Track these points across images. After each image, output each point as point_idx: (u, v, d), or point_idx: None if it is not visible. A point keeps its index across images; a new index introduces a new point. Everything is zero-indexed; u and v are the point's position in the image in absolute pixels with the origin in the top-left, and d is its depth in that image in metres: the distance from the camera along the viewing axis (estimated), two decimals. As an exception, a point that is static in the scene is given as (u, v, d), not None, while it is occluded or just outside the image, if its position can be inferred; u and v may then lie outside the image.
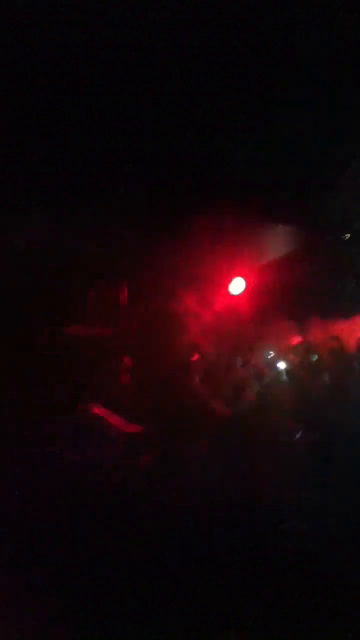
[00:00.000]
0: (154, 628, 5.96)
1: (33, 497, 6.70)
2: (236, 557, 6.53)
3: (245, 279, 8.80)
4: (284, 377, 8.65)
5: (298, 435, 7.84)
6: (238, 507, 6.89)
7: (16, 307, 7.65)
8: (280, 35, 6.07)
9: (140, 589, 6.24)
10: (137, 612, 6.09)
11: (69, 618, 6.03)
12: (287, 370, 8.69)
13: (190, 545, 6.59)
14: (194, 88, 6.53)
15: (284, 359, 8.79)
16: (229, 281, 8.81)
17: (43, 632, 5.91)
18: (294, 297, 8.69)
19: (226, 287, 8.82)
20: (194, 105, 6.77)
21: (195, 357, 8.46)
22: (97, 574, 6.31)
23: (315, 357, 8.71)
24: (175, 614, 6.10)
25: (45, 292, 7.87)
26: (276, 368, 8.73)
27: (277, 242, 8.56)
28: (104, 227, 8.03)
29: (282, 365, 8.73)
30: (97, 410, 7.70)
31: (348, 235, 8.76)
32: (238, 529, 6.74)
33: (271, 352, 8.85)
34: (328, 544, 6.63)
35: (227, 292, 8.85)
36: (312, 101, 6.73)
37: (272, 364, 8.77)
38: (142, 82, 6.45)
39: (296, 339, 8.90)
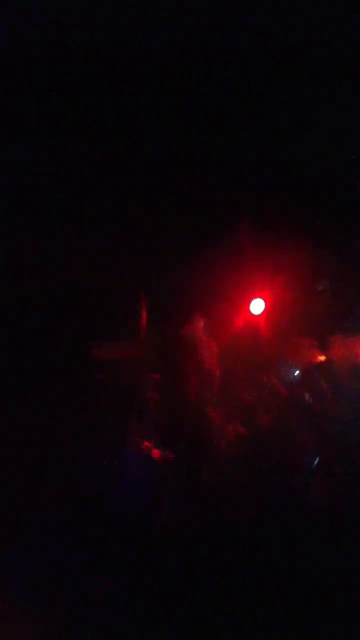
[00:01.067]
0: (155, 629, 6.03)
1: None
2: (237, 559, 6.56)
3: (265, 299, 8.82)
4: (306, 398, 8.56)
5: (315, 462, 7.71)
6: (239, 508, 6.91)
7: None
8: (281, 35, 6.23)
9: (140, 591, 6.30)
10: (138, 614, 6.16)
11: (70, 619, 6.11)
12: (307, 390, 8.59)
13: (191, 547, 6.63)
14: (194, 89, 6.66)
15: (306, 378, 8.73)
16: (249, 301, 8.82)
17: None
18: (316, 315, 8.69)
19: (246, 306, 8.84)
20: (195, 108, 6.90)
21: (212, 377, 8.41)
22: (98, 576, 6.38)
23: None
24: (176, 615, 6.17)
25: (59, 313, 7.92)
26: (297, 387, 8.66)
27: (297, 260, 8.58)
28: (119, 246, 8.10)
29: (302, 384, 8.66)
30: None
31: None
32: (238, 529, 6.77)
33: (293, 371, 8.81)
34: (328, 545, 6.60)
35: (247, 312, 8.86)
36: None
37: (292, 384, 8.70)
38: (143, 83, 6.60)
39: (319, 357, 8.85)
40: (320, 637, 6.15)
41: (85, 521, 6.67)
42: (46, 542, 6.47)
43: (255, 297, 8.81)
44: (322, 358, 8.81)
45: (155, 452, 7.59)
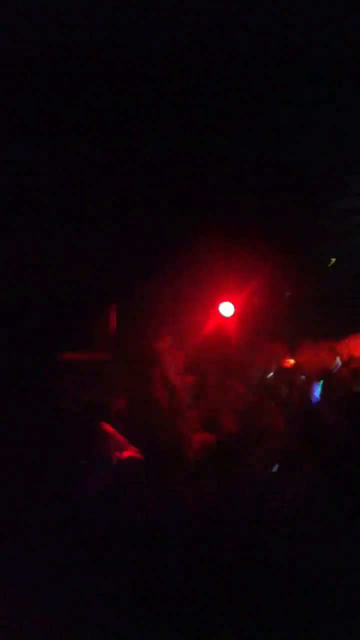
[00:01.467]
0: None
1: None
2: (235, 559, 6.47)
3: (234, 302, 8.85)
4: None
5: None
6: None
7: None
8: (281, 35, 6.25)
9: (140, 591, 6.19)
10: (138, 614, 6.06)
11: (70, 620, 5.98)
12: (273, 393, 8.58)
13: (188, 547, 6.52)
14: (194, 90, 6.65)
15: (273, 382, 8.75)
16: (219, 303, 8.85)
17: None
18: (285, 320, 8.76)
19: (216, 309, 8.86)
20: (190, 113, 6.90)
21: (184, 379, 8.37)
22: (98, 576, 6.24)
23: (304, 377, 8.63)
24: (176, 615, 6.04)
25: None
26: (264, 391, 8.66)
27: (266, 265, 8.63)
28: (93, 250, 8.06)
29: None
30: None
31: (333, 260, 8.90)
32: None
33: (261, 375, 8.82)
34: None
35: (217, 314, 8.88)
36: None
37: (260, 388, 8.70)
38: (142, 82, 6.55)
39: (287, 362, 8.89)
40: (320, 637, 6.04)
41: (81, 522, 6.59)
42: (45, 543, 6.35)
43: (225, 300, 8.84)
44: (291, 363, 8.87)
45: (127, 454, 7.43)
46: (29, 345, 7.85)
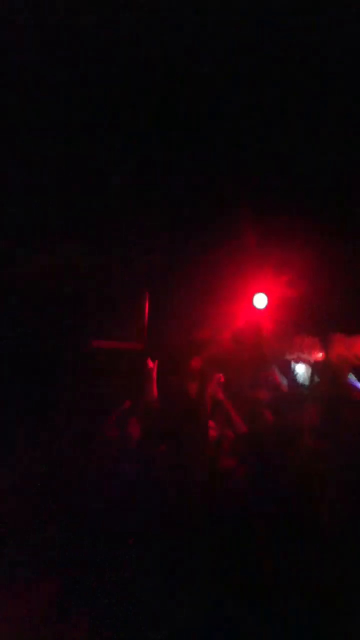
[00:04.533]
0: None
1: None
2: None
3: (268, 294, 8.79)
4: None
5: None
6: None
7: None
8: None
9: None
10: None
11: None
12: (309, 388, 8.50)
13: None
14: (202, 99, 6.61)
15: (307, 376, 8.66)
16: (252, 296, 8.80)
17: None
18: (319, 312, 8.67)
19: (250, 301, 8.82)
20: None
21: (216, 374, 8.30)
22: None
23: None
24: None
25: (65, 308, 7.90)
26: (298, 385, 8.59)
27: (299, 256, 8.56)
28: (123, 243, 8.09)
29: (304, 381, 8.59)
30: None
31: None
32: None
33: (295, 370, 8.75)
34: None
35: (251, 307, 8.84)
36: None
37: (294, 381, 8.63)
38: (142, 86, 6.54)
39: (320, 355, 8.79)
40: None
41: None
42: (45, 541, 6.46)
43: (259, 291, 8.79)
44: (322, 356, 8.77)
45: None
46: (62, 331, 7.89)
